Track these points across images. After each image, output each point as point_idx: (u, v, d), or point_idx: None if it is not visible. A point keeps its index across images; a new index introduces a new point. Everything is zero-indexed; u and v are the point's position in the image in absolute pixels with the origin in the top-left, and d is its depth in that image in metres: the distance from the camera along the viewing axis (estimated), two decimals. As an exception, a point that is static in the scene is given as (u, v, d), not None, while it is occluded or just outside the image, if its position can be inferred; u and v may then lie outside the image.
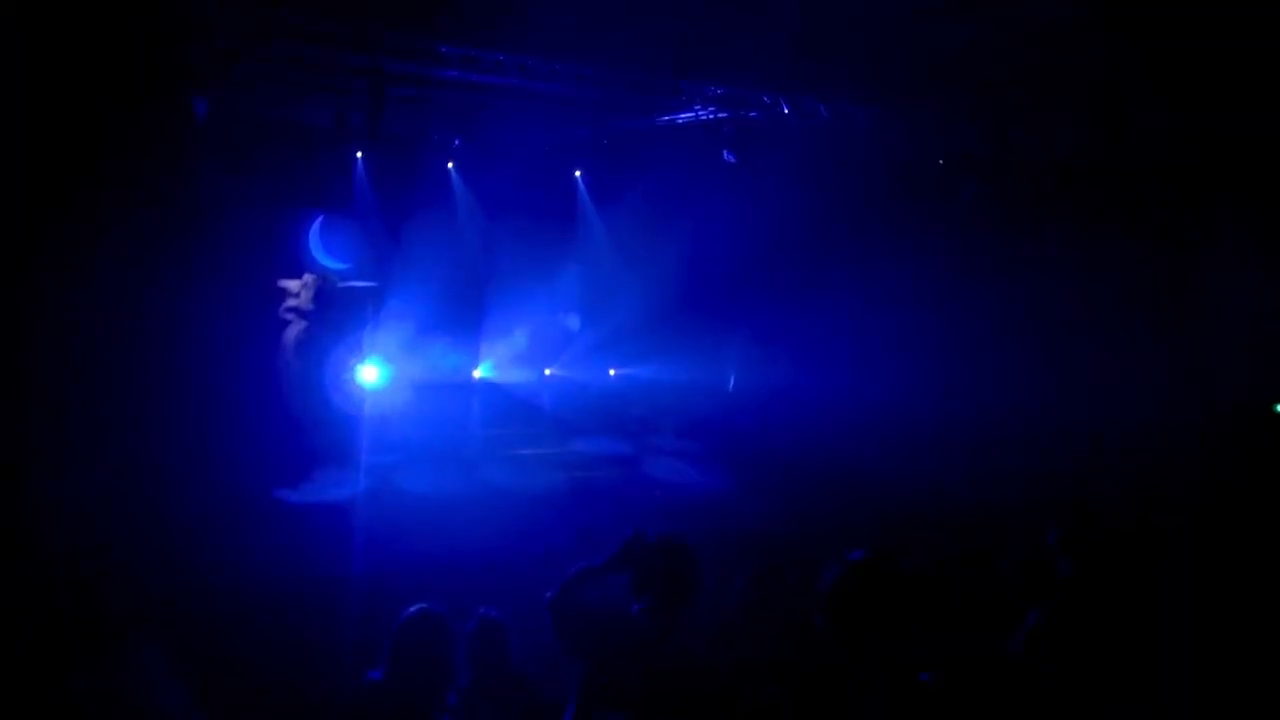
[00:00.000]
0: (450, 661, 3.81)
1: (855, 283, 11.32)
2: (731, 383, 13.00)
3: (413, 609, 3.81)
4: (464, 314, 12.33)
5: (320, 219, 11.09)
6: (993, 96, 9.42)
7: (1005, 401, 10.04)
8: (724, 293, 12.58)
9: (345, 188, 10.82)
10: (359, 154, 10.89)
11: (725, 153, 10.76)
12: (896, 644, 2.57)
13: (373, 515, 8.58)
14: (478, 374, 12.77)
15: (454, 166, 12.01)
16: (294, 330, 10.29)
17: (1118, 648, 3.14)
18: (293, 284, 10.41)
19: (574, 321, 13.42)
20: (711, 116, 10.70)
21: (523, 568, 6.66)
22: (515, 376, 12.77)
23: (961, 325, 10.83)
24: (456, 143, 11.89)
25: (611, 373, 13.47)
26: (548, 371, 13.28)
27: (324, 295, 10.42)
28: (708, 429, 12.13)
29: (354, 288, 10.94)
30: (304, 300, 10.35)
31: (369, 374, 10.83)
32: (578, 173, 12.85)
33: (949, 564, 5.80)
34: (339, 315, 10.49)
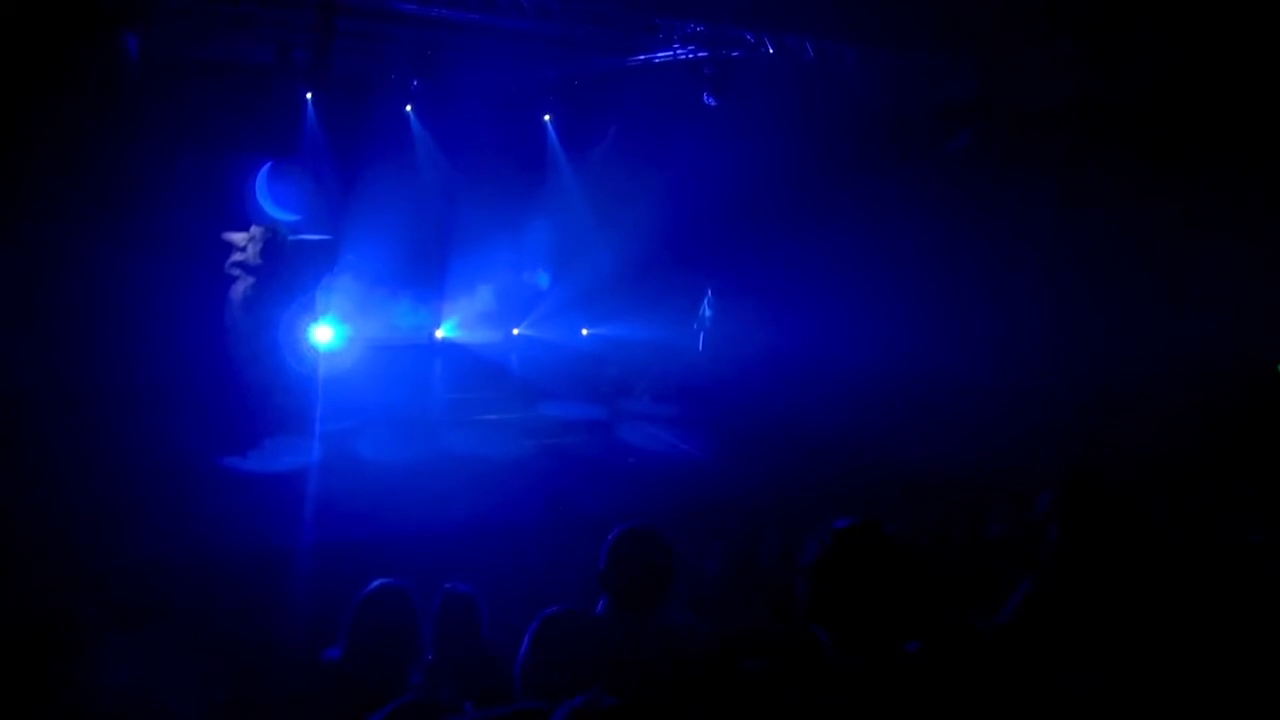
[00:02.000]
0: (414, 638, 3.80)
1: (840, 237, 11.33)
2: (701, 342, 13.06)
3: (373, 584, 3.77)
4: (425, 269, 12.29)
5: (267, 166, 10.96)
6: (988, 38, 9.39)
7: (995, 363, 10.13)
8: (703, 247, 12.59)
9: (294, 132, 10.73)
10: (309, 96, 10.75)
11: (705, 95, 10.68)
12: (883, 615, 2.58)
13: (328, 485, 8.55)
14: (440, 334, 12.75)
15: (413, 110, 11.88)
16: (241, 287, 10.18)
17: (1110, 619, 3.22)
18: (239, 237, 10.29)
19: (543, 277, 13.39)
20: (690, 56, 10.60)
21: (490, 540, 6.90)
22: (480, 336, 12.73)
23: (949, 283, 10.89)
24: (415, 84, 11.70)
25: (584, 332, 13.49)
26: (515, 331, 13.27)
27: (273, 249, 10.29)
28: (686, 392, 12.21)
29: (305, 241, 10.82)
30: (251, 255, 10.23)
31: (323, 334, 10.79)
32: (547, 117, 12.74)
33: (937, 531, 6.01)
34: (289, 271, 10.37)
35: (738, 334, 12.29)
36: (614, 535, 3.21)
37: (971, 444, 8.99)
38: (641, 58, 11.05)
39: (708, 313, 13.02)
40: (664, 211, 11.87)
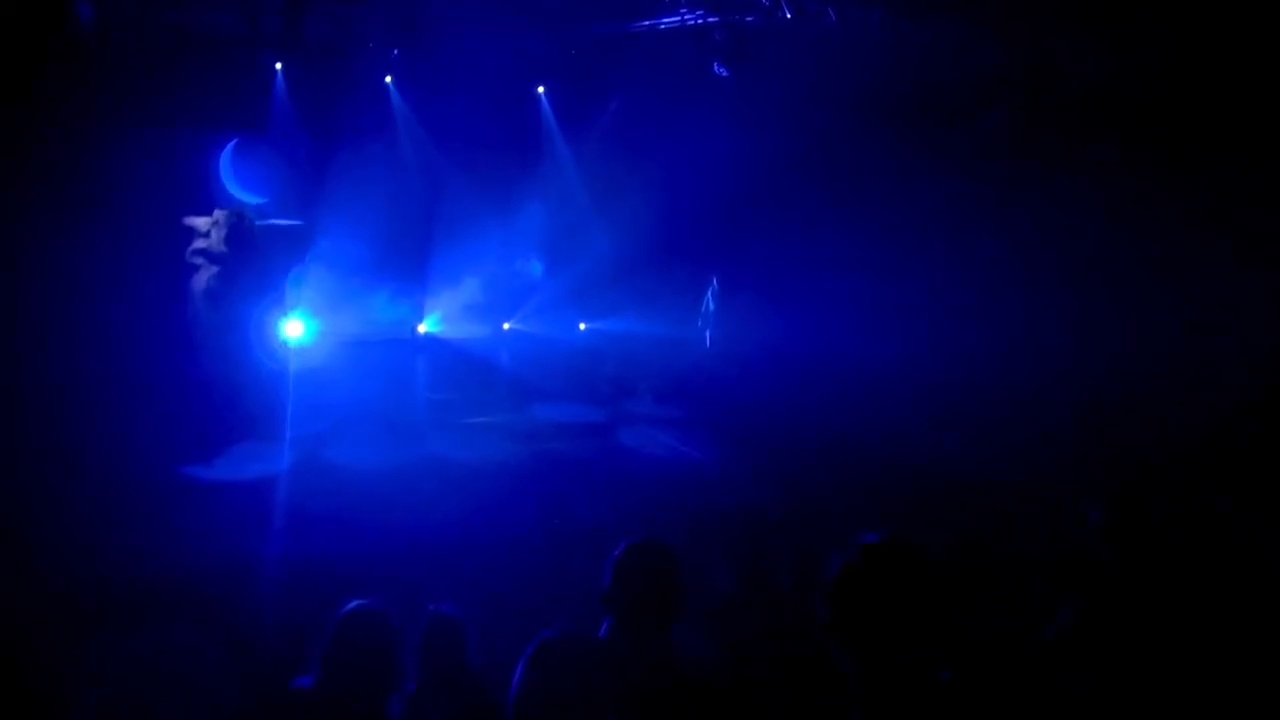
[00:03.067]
0: (394, 666, 3.80)
1: (859, 224, 11.32)
2: (708, 339, 13.06)
3: (349, 605, 3.78)
4: (406, 257, 12.23)
5: (233, 144, 10.87)
6: (1029, 5, 9.35)
7: (1026, 363, 10.13)
8: (710, 234, 12.57)
9: (262, 107, 10.67)
10: (278, 66, 10.70)
11: (716, 65, 10.64)
12: (913, 638, 2.59)
13: (299, 495, 8.59)
14: (423, 329, 12.69)
15: (393, 81, 11.80)
16: (203, 277, 10.15)
17: (1166, 644, 3.20)
18: (201, 222, 10.26)
19: (536, 267, 13.35)
20: (700, 21, 10.55)
21: (478, 555, 6.99)
22: (467, 331, 12.69)
23: (979, 276, 10.83)
24: (395, 53, 11.67)
25: (581, 327, 13.45)
26: (506, 326, 13.21)
27: (239, 236, 10.27)
28: (691, 392, 12.19)
29: (274, 226, 10.82)
30: (215, 242, 10.20)
31: (294, 329, 10.77)
32: (541, 89, 12.68)
33: (971, 546, 6.13)
34: (257, 259, 10.36)
35: (747, 329, 12.30)
36: (620, 551, 3.24)
37: (999, 447, 9.05)
38: (645, 23, 11.00)
39: (712, 306, 13.04)
40: (669, 195, 11.83)
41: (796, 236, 11.88)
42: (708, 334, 13.14)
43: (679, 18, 10.62)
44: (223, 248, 10.19)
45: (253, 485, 8.84)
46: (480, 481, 9.11)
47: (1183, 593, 3.44)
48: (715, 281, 13.07)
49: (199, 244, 10.23)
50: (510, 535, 7.53)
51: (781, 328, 11.63)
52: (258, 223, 10.60)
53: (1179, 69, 9.27)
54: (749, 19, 10.26)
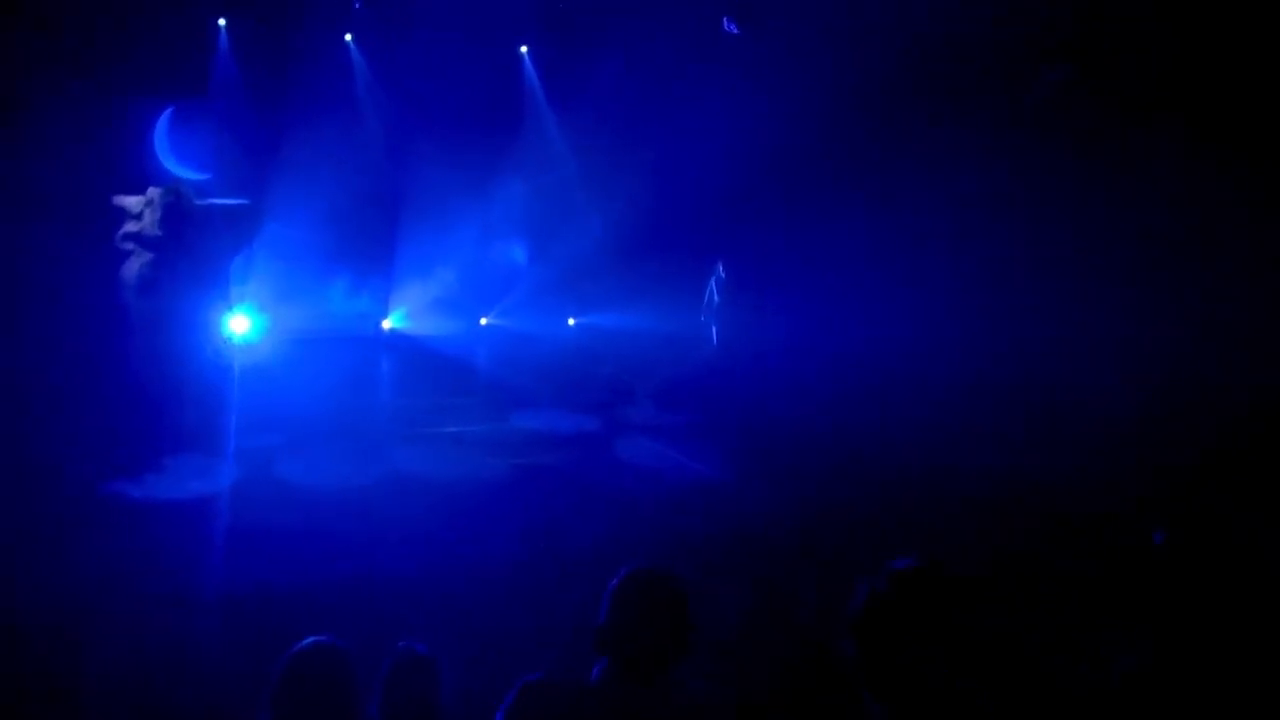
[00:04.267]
0: (355, 711, 3.79)
1: (888, 205, 11.33)
2: (715, 335, 13.09)
3: (303, 642, 3.71)
4: (369, 243, 12.33)
5: (169, 112, 10.96)
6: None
7: (1071, 363, 10.15)
8: (718, 216, 12.59)
9: (203, 68, 10.76)
10: (221, 22, 10.71)
11: (725, 22, 10.63)
12: (952, 679, 2.56)
13: (246, 517, 8.49)
14: (388, 324, 12.77)
15: (353, 40, 11.85)
16: (135, 265, 10.14)
17: (1250, 686, 3.19)
18: (133, 201, 10.25)
19: (518, 253, 13.41)
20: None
21: (452, 586, 6.89)
22: (439, 327, 12.73)
23: (1022, 264, 10.85)
24: (357, 5, 11.68)
25: (570, 322, 13.47)
26: (483, 321, 13.26)
27: (176, 217, 10.25)
28: (696, 397, 12.16)
29: (217, 206, 10.78)
30: (148, 224, 10.19)
31: (239, 325, 10.78)
32: (524, 49, 12.75)
33: (1015, 571, 6.12)
34: (197, 244, 10.33)
35: (758, 324, 12.32)
36: (618, 580, 3.21)
37: (1040, 457, 9.06)
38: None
39: (719, 298, 13.06)
40: (670, 172, 11.85)
41: (815, 220, 11.90)
42: (714, 329, 13.15)
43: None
44: (157, 231, 10.17)
45: (191, 506, 8.75)
46: (454, 501, 9.08)
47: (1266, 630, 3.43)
48: (721, 270, 13.10)
49: (130, 227, 10.21)
50: (488, 562, 7.42)
51: (797, 322, 11.67)
52: (197, 202, 10.55)
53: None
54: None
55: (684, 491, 9.77)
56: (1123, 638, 3.66)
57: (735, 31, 10.63)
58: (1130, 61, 10.32)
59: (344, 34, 11.76)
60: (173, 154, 10.95)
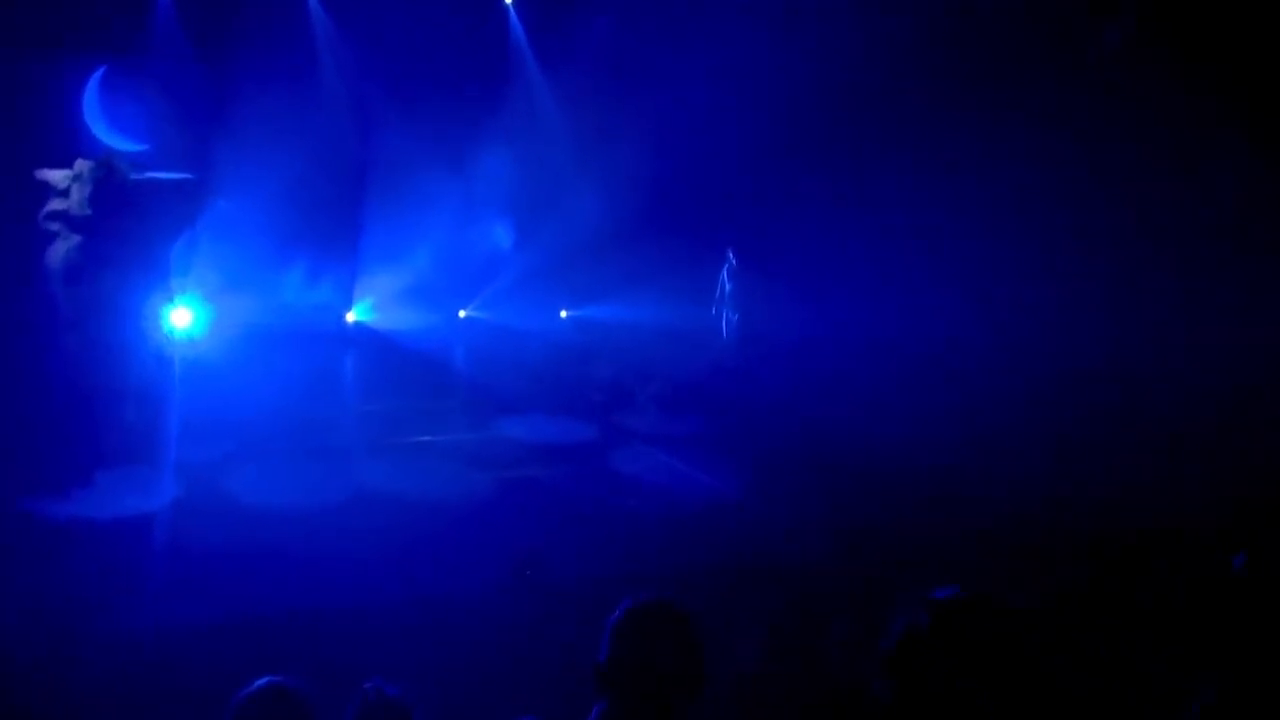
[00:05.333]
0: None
1: (926, 182, 11.28)
2: (726, 329, 13.10)
3: (256, 684, 3.74)
4: (331, 223, 12.29)
5: (101, 73, 10.91)
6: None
7: (1135, 365, 10.15)
8: (730, 195, 12.63)
9: (139, 23, 10.68)
10: (162, -30, 10.66)
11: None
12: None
13: (190, 539, 8.45)
14: (352, 317, 12.78)
15: (314, -8, 11.84)
16: (61, 249, 10.10)
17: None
18: (58, 176, 10.22)
19: (503, 236, 13.38)
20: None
21: (428, 618, 6.84)
22: (411, 321, 12.70)
23: (1080, 251, 10.84)
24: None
25: (562, 315, 13.51)
26: (462, 313, 13.29)
27: (108, 193, 10.23)
28: (706, 401, 12.17)
29: (156, 181, 10.76)
30: (76, 202, 10.16)
31: (181, 317, 10.76)
32: (509, 0, 12.73)
33: (1070, 601, 5.93)
34: (132, 224, 10.30)
35: (776, 318, 12.33)
36: (620, 613, 3.23)
37: (1099, 469, 9.05)
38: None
39: (730, 287, 13.05)
40: (676, 142, 11.83)
41: (842, 198, 11.90)
42: (725, 324, 13.17)
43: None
44: (86, 210, 10.15)
45: (125, 527, 8.70)
46: (429, 521, 9.06)
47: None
48: (732, 255, 13.12)
49: (55, 205, 10.18)
50: (469, 591, 7.43)
51: (822, 316, 11.65)
52: (133, 176, 10.53)
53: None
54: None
55: (693, 511, 9.75)
56: (1198, 670, 3.67)
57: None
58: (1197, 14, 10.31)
59: (303, -15, 11.73)
60: (104, 121, 10.88)
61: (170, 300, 10.64)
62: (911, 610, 2.68)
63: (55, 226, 10.14)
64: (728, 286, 13.06)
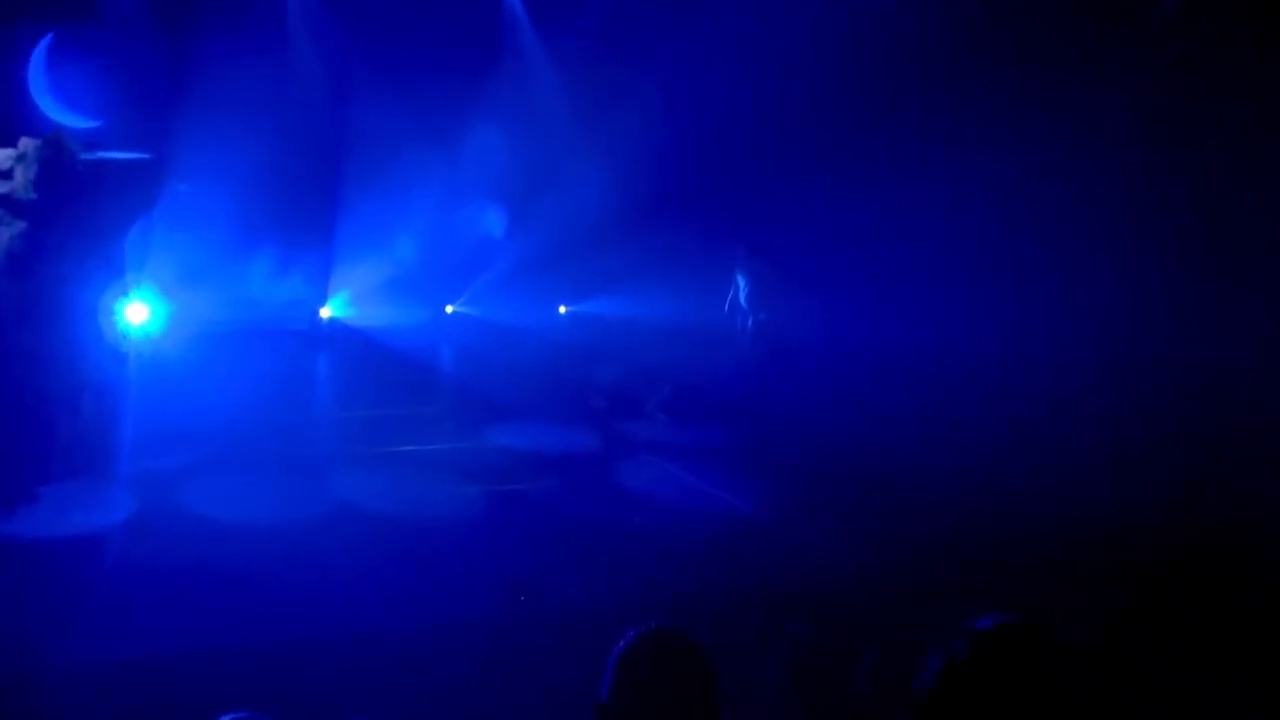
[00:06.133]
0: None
1: (972, 162, 11.16)
2: (746, 328, 13.00)
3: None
4: (304, 210, 12.29)
5: (48, 42, 10.88)
6: None
7: (1210, 374, 10.10)
8: (747, 177, 12.65)
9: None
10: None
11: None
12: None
13: (146, 560, 8.44)
14: (327, 313, 12.79)
15: (285, -50, 11.85)
16: (4, 236, 10.03)
17: None
18: (1, 155, 10.16)
19: (495, 222, 13.43)
20: None
21: (411, 651, 6.83)
22: (393, 317, 12.71)
23: (1138, 240, 10.72)
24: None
25: (561, 311, 13.54)
26: (450, 309, 13.31)
27: (56, 175, 10.18)
28: (721, 408, 12.22)
29: (109, 162, 10.67)
30: (20, 184, 10.11)
31: (137, 313, 10.72)
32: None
33: (1132, 632, 6.16)
34: (84, 210, 10.24)
35: (799, 313, 12.33)
36: (625, 645, 3.18)
37: (1158, 485, 9.03)
38: None
39: (742, 283, 12.99)
40: (683, 123, 11.91)
41: (876, 179, 11.75)
42: (745, 321, 13.05)
43: None
44: (31, 194, 10.10)
45: (74, 545, 8.68)
46: (413, 541, 9.04)
47: None
48: (747, 246, 13.02)
49: (-2, 188, 10.14)
50: (457, 621, 7.44)
51: (851, 313, 11.65)
52: (83, 156, 10.46)
53: None
54: None
55: (706, 530, 9.70)
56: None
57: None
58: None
59: (273, -59, 11.75)
60: (52, 95, 10.87)
61: (125, 294, 10.61)
62: (949, 641, 2.68)
63: (-3, 212, 10.11)
64: (745, 280, 12.96)
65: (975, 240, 11.35)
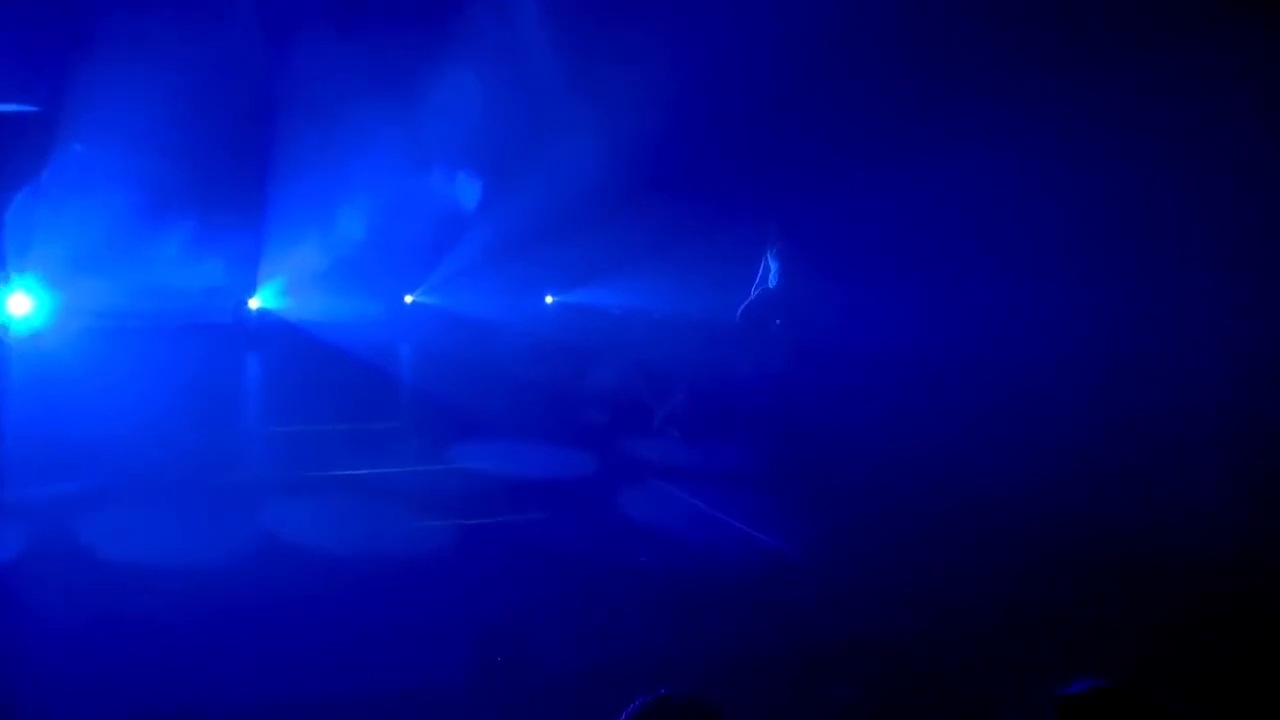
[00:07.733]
0: None
1: (1028, 149, 11.15)
2: (774, 327, 12.95)
3: None
4: (227, 178, 12.19)
5: None
6: None
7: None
8: (772, 144, 12.67)
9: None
10: None
11: None
12: None
13: (33, 609, 8.32)
14: (257, 304, 12.70)
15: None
16: None
17: None
18: None
19: (466, 195, 13.41)
20: None
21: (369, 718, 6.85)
22: (339, 310, 12.66)
23: (1240, 237, 10.58)
24: None
25: (548, 301, 13.56)
26: (409, 299, 13.30)
27: None
28: (743, 423, 12.23)
29: None
30: None
31: (19, 304, 10.77)
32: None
33: (1241, 689, 6.22)
34: None
35: (840, 312, 12.26)
36: (631, 713, 3.32)
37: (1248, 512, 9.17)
38: None
39: (775, 267, 12.96)
40: (703, 71, 11.85)
41: (930, 152, 11.68)
42: (773, 318, 12.99)
43: None
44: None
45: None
46: (367, 586, 8.91)
47: None
48: (776, 226, 13.00)
49: None
50: (426, 681, 7.28)
51: (899, 312, 11.62)
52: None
53: None
54: None
55: (730, 574, 9.67)
56: None
57: None
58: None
59: None
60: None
61: (4, 280, 10.66)
62: (1029, 709, 2.86)
63: None
64: (773, 267, 12.90)
65: (1048, 219, 11.41)
